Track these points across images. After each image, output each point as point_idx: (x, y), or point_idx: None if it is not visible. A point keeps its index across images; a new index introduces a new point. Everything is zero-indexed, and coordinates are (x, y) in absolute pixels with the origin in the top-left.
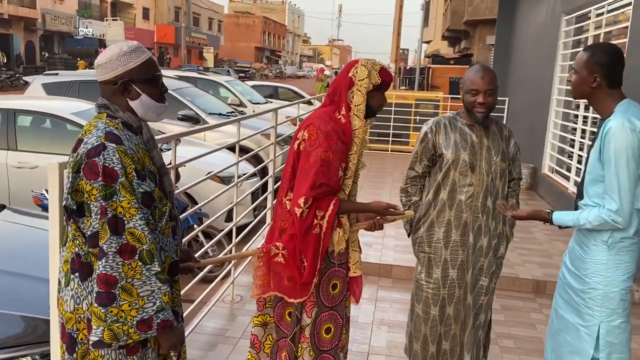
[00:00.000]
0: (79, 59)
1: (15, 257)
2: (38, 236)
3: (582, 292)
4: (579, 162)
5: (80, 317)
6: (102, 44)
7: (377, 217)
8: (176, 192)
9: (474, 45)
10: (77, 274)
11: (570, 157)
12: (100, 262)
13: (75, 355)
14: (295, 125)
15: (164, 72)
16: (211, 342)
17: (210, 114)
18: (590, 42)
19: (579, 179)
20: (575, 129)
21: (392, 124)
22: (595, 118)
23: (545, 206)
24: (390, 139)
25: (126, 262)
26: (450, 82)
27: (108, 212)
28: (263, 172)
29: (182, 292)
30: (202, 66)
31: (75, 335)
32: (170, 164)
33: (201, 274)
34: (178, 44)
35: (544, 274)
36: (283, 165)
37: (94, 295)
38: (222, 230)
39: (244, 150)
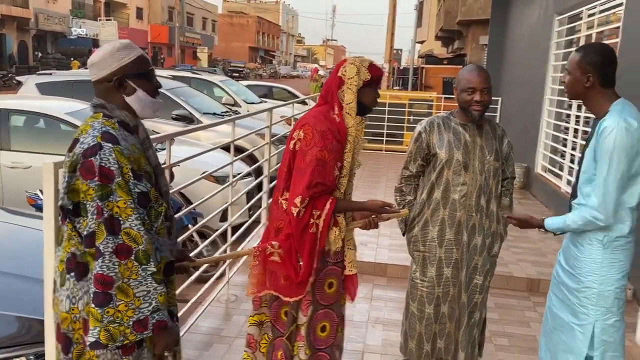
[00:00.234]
0: (72, 59)
1: (9, 258)
2: (32, 236)
3: (576, 291)
4: (572, 161)
5: (76, 317)
6: (95, 43)
7: (373, 216)
8: (170, 192)
9: (467, 45)
10: (72, 274)
11: (563, 156)
12: (97, 262)
13: (70, 355)
14: (289, 125)
15: (157, 72)
16: (206, 342)
17: (204, 113)
18: (582, 42)
19: (571, 178)
20: (567, 129)
21: (386, 123)
22: (587, 118)
23: (539, 205)
24: (385, 138)
25: (122, 262)
26: (443, 82)
27: (104, 212)
28: (258, 171)
29: (177, 292)
30: (195, 66)
31: (70, 335)
32: (165, 163)
33: (196, 273)
34: (172, 43)
35: (538, 272)
36: (278, 164)
37: (91, 295)
38: (217, 230)
39: (238, 150)
